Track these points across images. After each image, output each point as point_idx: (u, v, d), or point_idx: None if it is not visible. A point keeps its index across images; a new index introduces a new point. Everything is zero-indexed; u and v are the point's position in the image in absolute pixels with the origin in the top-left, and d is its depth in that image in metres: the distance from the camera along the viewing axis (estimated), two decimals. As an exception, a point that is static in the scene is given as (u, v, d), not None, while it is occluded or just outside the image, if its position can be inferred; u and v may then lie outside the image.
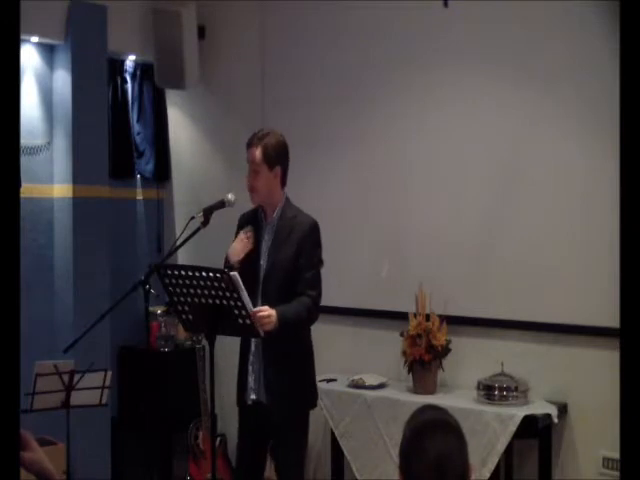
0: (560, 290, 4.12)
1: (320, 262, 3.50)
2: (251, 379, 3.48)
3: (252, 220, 3.59)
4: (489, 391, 4.03)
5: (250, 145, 3.49)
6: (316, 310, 3.43)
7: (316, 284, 3.44)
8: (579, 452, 4.09)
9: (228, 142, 5.44)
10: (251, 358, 3.48)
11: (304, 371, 3.52)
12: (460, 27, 4.38)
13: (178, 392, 5.11)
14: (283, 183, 3.55)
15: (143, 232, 5.69)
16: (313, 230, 3.49)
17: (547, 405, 4.03)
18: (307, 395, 3.55)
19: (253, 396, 3.49)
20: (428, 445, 1.77)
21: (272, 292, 3.38)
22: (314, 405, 3.61)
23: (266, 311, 3.18)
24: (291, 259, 3.42)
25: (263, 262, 3.47)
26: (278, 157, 3.49)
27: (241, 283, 3.08)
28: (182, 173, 5.77)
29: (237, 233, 3.62)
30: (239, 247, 3.50)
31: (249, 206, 3.65)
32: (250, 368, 3.48)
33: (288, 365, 3.42)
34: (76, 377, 3.95)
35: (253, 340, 3.44)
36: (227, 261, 3.51)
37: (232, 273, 3.05)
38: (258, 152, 3.45)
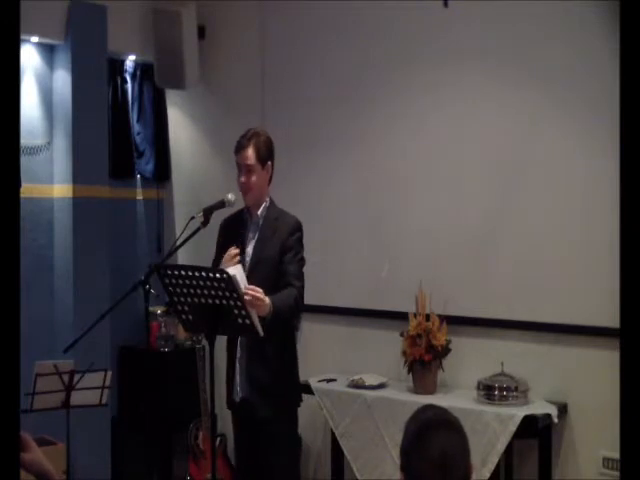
0: (560, 290, 4.11)
1: (302, 260, 3.55)
2: (238, 377, 3.52)
3: (236, 222, 3.63)
4: (489, 391, 4.03)
5: (240, 148, 3.54)
6: (302, 301, 3.47)
7: (300, 276, 3.50)
8: (579, 452, 4.09)
9: (228, 142, 5.37)
10: (238, 356, 3.52)
11: (287, 370, 3.55)
12: (460, 27, 4.38)
13: (178, 392, 5.10)
14: (271, 179, 3.62)
15: (143, 232, 5.69)
16: (297, 229, 3.56)
17: (547, 405, 4.03)
18: (290, 394, 3.57)
19: (241, 394, 3.52)
20: (431, 444, 1.77)
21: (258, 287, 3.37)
22: (297, 404, 3.64)
23: (261, 293, 3.17)
24: (275, 257, 3.48)
25: (247, 259, 3.52)
26: (269, 153, 3.57)
27: (240, 282, 3.10)
28: (182, 173, 5.77)
29: (219, 237, 3.67)
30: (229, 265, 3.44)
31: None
32: (238, 366, 3.52)
33: (271, 363, 3.46)
34: (76, 377, 3.96)
35: (240, 338, 3.48)
36: None
37: (232, 272, 3.05)
38: (250, 152, 3.51)
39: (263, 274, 3.44)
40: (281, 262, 3.47)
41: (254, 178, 3.52)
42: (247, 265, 3.51)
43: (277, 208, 3.63)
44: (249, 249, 3.55)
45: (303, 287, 3.49)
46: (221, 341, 3.21)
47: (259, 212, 3.58)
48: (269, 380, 3.46)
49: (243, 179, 3.54)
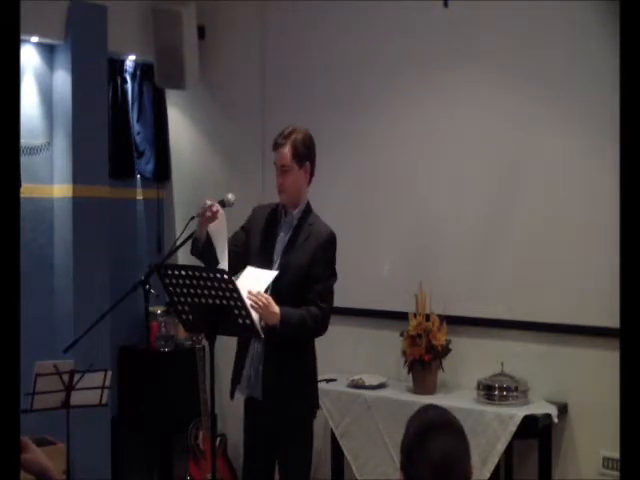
0: (560, 290, 4.11)
1: (334, 275, 3.44)
2: (246, 374, 3.42)
3: (269, 215, 3.52)
4: (489, 391, 4.03)
5: (277, 145, 3.42)
6: (323, 323, 3.35)
7: (327, 297, 3.38)
8: (579, 452, 4.09)
9: (228, 142, 5.44)
10: (250, 353, 3.42)
11: (304, 377, 3.45)
12: (460, 28, 4.38)
13: (178, 392, 5.11)
14: (310, 179, 3.51)
15: (143, 232, 5.69)
16: (330, 241, 3.44)
17: (547, 405, 4.03)
18: (305, 401, 3.46)
19: (248, 391, 3.44)
20: (432, 445, 1.77)
21: (283, 291, 3.33)
22: (313, 414, 3.52)
23: (267, 300, 3.15)
24: (304, 265, 3.36)
25: (277, 260, 3.42)
26: (308, 153, 3.45)
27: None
28: (182, 173, 5.77)
29: (247, 220, 3.57)
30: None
31: (248, 206, 3.65)
32: (248, 362, 3.42)
33: (287, 367, 3.36)
34: (76, 377, 3.96)
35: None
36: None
37: (268, 275, 3.05)
38: (287, 151, 3.39)
39: (290, 278, 3.34)
40: (310, 273, 3.35)
41: (290, 178, 3.40)
42: (276, 266, 3.39)
43: (314, 213, 3.51)
44: (278, 248, 3.44)
45: (330, 308, 3.38)
46: (221, 341, 3.20)
47: (294, 212, 3.47)
48: (277, 383, 3.35)
49: (279, 180, 3.43)
